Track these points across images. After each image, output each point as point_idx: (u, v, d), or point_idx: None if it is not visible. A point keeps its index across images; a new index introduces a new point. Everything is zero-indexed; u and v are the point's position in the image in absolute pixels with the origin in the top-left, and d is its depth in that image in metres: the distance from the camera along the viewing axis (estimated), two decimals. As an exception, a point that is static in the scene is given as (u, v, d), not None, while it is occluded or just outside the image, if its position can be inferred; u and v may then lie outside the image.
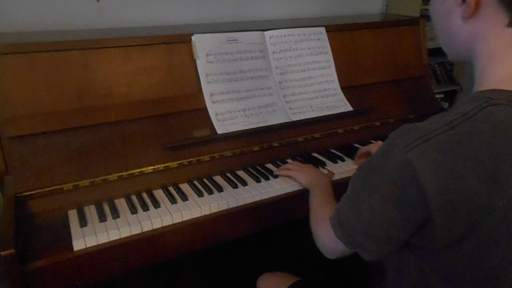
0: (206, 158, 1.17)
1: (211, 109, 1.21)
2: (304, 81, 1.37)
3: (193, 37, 1.22)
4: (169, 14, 1.53)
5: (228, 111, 1.23)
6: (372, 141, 1.41)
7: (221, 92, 1.23)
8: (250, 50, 1.30)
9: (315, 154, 1.31)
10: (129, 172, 1.08)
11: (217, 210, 1.04)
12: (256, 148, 1.25)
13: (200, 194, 1.07)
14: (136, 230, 0.95)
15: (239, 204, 1.07)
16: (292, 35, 1.38)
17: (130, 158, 1.09)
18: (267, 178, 1.15)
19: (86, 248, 0.90)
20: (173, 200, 1.04)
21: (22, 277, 0.83)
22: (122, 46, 1.13)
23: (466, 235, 0.58)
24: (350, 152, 1.30)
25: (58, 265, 0.87)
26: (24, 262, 0.83)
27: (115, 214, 0.98)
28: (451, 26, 0.66)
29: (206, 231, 1.04)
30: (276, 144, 1.27)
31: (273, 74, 1.33)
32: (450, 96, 2.36)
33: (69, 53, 1.07)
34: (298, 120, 1.31)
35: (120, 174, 1.07)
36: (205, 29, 1.32)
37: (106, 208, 1.01)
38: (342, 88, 1.42)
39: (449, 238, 0.59)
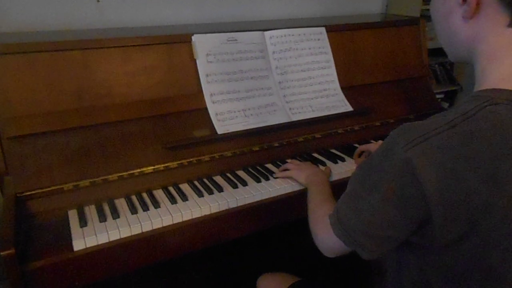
0: (206, 158, 1.17)
1: (211, 109, 1.21)
2: (304, 81, 1.37)
3: (193, 37, 1.22)
4: (169, 14, 1.53)
5: (228, 111, 1.23)
6: (372, 141, 1.41)
7: (221, 92, 1.23)
8: (250, 50, 1.30)
9: (315, 154, 1.31)
10: (129, 172, 1.07)
11: (217, 210, 1.04)
12: (256, 148, 1.24)
13: (200, 194, 1.07)
14: (136, 230, 0.95)
15: (239, 204, 1.07)
16: (292, 35, 1.38)
17: (130, 158, 1.09)
18: (267, 178, 1.15)
19: (86, 248, 0.90)
20: (173, 200, 1.04)
21: (22, 277, 0.83)
22: (122, 46, 1.13)
23: (466, 234, 0.58)
24: (350, 152, 1.30)
25: (58, 265, 0.87)
26: (24, 262, 0.83)
27: (115, 214, 0.98)
28: (452, 26, 0.66)
29: (206, 231, 1.04)
30: (276, 144, 1.27)
31: (273, 74, 1.33)
32: (450, 96, 2.36)
33: (69, 53, 1.07)
34: (298, 120, 1.31)
35: (120, 174, 1.06)
36: (205, 29, 1.32)
37: (106, 208, 1.01)
38: (342, 88, 1.42)
39: (449, 237, 0.59)
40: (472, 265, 0.61)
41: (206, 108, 1.21)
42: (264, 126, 1.25)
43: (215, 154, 1.19)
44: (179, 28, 1.47)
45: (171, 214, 0.99)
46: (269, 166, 1.24)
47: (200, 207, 1.02)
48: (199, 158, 1.16)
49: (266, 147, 1.26)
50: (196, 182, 1.14)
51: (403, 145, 0.58)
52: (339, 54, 1.44)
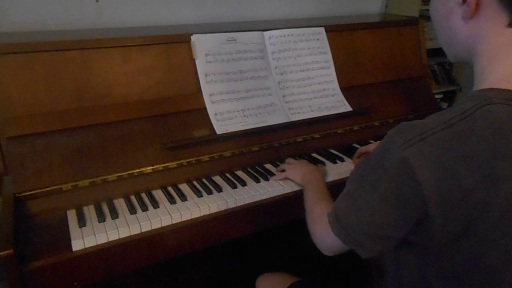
0: (205, 158, 1.17)
1: (211, 109, 1.21)
2: (304, 81, 1.37)
3: (192, 37, 1.22)
4: (168, 14, 1.53)
5: (228, 111, 1.23)
6: (371, 141, 1.41)
7: (220, 92, 1.23)
8: (249, 50, 1.30)
9: (314, 154, 1.31)
10: (128, 172, 1.07)
11: (216, 211, 1.04)
12: (255, 148, 1.24)
13: (199, 195, 1.07)
14: (135, 230, 0.95)
15: (238, 205, 1.07)
16: (292, 35, 1.38)
17: (129, 158, 1.09)
18: (266, 179, 1.15)
19: (85, 249, 0.90)
20: (172, 201, 1.04)
21: (21, 277, 0.83)
22: (122, 46, 1.13)
23: (463, 233, 0.58)
24: (350, 152, 1.30)
25: (57, 266, 0.87)
26: (23, 262, 0.83)
27: (114, 214, 0.98)
28: (452, 26, 0.66)
29: (205, 231, 1.04)
30: (275, 144, 1.27)
31: (273, 74, 1.33)
32: (450, 97, 2.36)
33: (68, 53, 1.07)
34: (297, 120, 1.31)
35: (119, 174, 1.06)
36: (205, 29, 1.32)
37: (105, 208, 1.01)
38: (341, 88, 1.42)
39: (446, 236, 0.59)
40: (471, 265, 0.61)
41: (205, 108, 1.21)
42: (263, 126, 1.25)
43: (214, 154, 1.19)
44: (178, 28, 1.47)
45: (170, 214, 0.99)
46: (268, 166, 1.24)
47: (199, 207, 1.02)
48: (198, 158, 1.16)
49: (265, 147, 1.26)
50: (195, 182, 1.14)
51: (401, 144, 0.58)
52: (338, 54, 1.44)
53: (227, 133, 1.20)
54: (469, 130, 0.56)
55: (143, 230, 0.96)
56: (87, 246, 0.90)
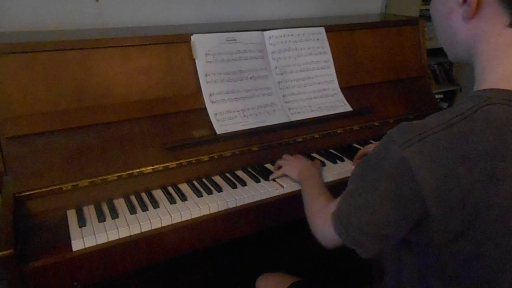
0: (205, 158, 1.17)
1: (210, 109, 1.21)
2: (303, 81, 1.37)
3: (192, 37, 1.22)
4: (168, 14, 1.53)
5: (227, 111, 1.23)
6: (371, 141, 1.41)
7: (220, 92, 1.23)
8: (249, 50, 1.30)
9: (314, 154, 1.31)
10: (128, 172, 1.07)
11: (216, 211, 1.04)
12: (255, 148, 1.24)
13: (199, 194, 1.07)
14: (135, 230, 0.95)
15: (238, 204, 1.07)
16: (292, 35, 1.38)
17: (129, 158, 1.09)
18: (266, 178, 1.15)
19: (85, 248, 0.90)
20: (172, 200, 1.04)
21: (21, 277, 0.83)
22: (121, 46, 1.13)
23: (463, 233, 0.58)
24: (350, 152, 1.30)
25: (57, 266, 0.87)
26: (22, 262, 0.83)
27: (114, 214, 0.98)
28: (452, 26, 0.66)
29: (205, 231, 1.04)
30: (275, 144, 1.27)
31: (272, 74, 1.33)
32: (450, 97, 2.36)
33: (68, 53, 1.07)
34: (297, 120, 1.31)
35: (119, 174, 1.06)
36: (204, 29, 1.32)
37: (105, 208, 1.01)
38: (341, 88, 1.42)
39: (446, 236, 0.59)
40: (471, 265, 0.61)
41: (205, 108, 1.21)
42: (263, 126, 1.25)
43: (214, 154, 1.19)
44: (178, 28, 1.47)
45: (170, 214, 0.99)
46: (268, 166, 1.24)
47: (199, 207, 1.02)
48: (198, 158, 1.16)
49: (265, 147, 1.26)
50: (195, 182, 1.14)
51: (400, 144, 0.58)
52: (338, 54, 1.44)
53: (227, 133, 1.20)
54: (469, 130, 0.56)
55: (143, 230, 0.96)
56: (87, 246, 0.90)
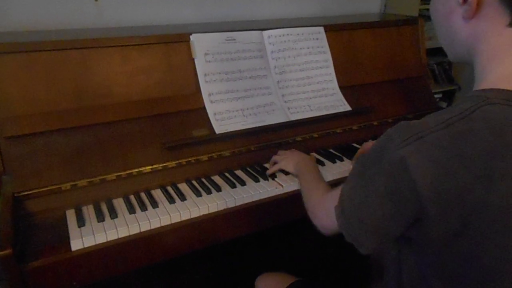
0: (205, 158, 1.17)
1: (210, 109, 1.21)
2: (303, 80, 1.37)
3: (191, 37, 1.22)
4: (168, 14, 1.53)
5: (227, 111, 1.23)
6: (371, 141, 1.41)
7: (219, 91, 1.23)
8: (248, 49, 1.30)
9: (313, 154, 1.31)
10: (127, 172, 1.07)
11: (215, 210, 1.04)
12: (254, 148, 1.24)
13: (198, 194, 1.07)
14: (134, 230, 0.95)
15: (237, 204, 1.07)
16: (291, 34, 1.38)
17: (128, 158, 1.09)
18: (265, 178, 1.15)
19: (84, 248, 0.90)
20: (171, 200, 1.04)
21: (20, 277, 0.83)
22: (121, 46, 1.13)
23: (461, 232, 0.58)
24: (349, 152, 1.30)
25: (56, 265, 0.87)
26: (22, 262, 0.83)
27: (113, 214, 0.98)
28: (452, 26, 0.66)
29: (204, 231, 1.04)
30: (274, 144, 1.27)
31: (272, 73, 1.33)
32: (449, 96, 2.36)
33: (68, 53, 1.07)
34: (296, 120, 1.31)
35: (119, 174, 1.06)
36: (204, 28, 1.32)
37: (104, 208, 1.01)
38: (340, 87, 1.42)
39: (444, 234, 0.59)
40: (469, 264, 0.61)
41: (204, 108, 1.21)
42: (262, 126, 1.25)
43: (214, 154, 1.19)
44: (177, 27, 1.47)
45: (169, 214, 0.99)
46: (268, 165, 1.23)
47: (198, 207, 1.02)
48: (197, 157, 1.16)
49: (265, 146, 1.26)
50: (194, 182, 1.14)
51: (398, 143, 0.58)
52: (337, 53, 1.44)
53: (226, 132, 1.20)
54: (467, 130, 0.56)
55: (142, 230, 0.96)
56: (86, 245, 0.90)
